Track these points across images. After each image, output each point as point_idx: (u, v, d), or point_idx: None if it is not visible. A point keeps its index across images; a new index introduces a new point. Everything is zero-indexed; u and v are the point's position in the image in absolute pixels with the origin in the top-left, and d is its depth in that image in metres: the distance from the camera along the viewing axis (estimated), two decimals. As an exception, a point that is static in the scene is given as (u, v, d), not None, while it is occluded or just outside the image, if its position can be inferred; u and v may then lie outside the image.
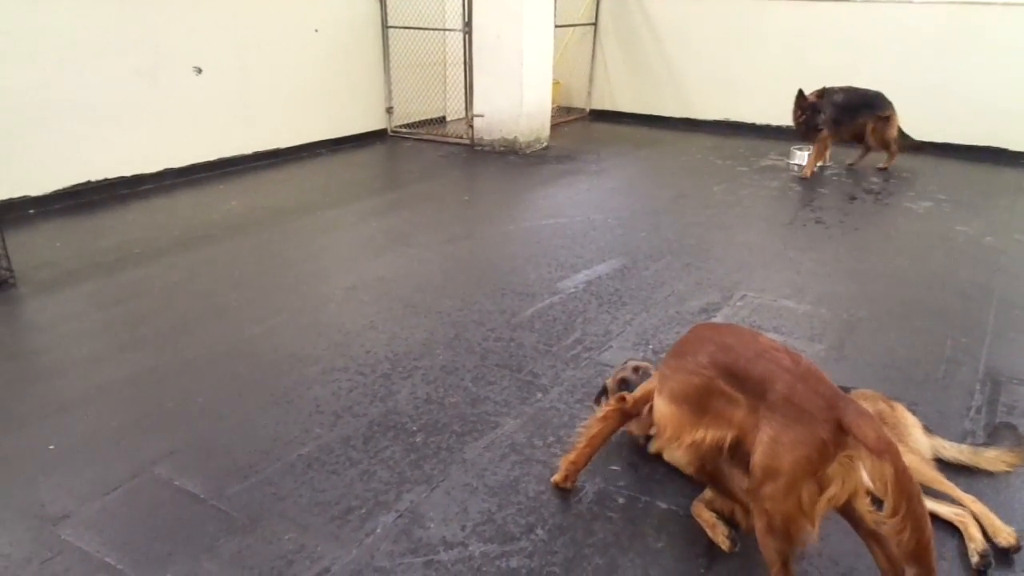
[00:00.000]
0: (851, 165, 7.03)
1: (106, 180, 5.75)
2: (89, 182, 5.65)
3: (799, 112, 6.53)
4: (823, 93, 6.52)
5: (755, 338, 2.08)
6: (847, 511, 1.93)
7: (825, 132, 6.56)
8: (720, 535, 2.26)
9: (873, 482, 1.68)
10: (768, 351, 1.96)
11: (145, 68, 5.82)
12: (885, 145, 6.85)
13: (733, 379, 1.94)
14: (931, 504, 2.36)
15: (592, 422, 2.40)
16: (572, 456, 2.45)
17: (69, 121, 5.42)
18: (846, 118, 6.63)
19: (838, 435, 1.74)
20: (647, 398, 2.26)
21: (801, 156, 7.28)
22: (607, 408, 2.37)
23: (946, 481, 2.41)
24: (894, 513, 1.65)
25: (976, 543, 2.22)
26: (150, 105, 5.93)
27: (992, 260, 4.71)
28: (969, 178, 6.90)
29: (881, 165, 6.98)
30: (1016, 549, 2.24)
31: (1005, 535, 2.26)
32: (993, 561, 2.18)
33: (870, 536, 1.96)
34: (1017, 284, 4.33)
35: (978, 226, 5.37)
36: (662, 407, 2.13)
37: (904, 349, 3.53)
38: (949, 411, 2.98)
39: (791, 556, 1.87)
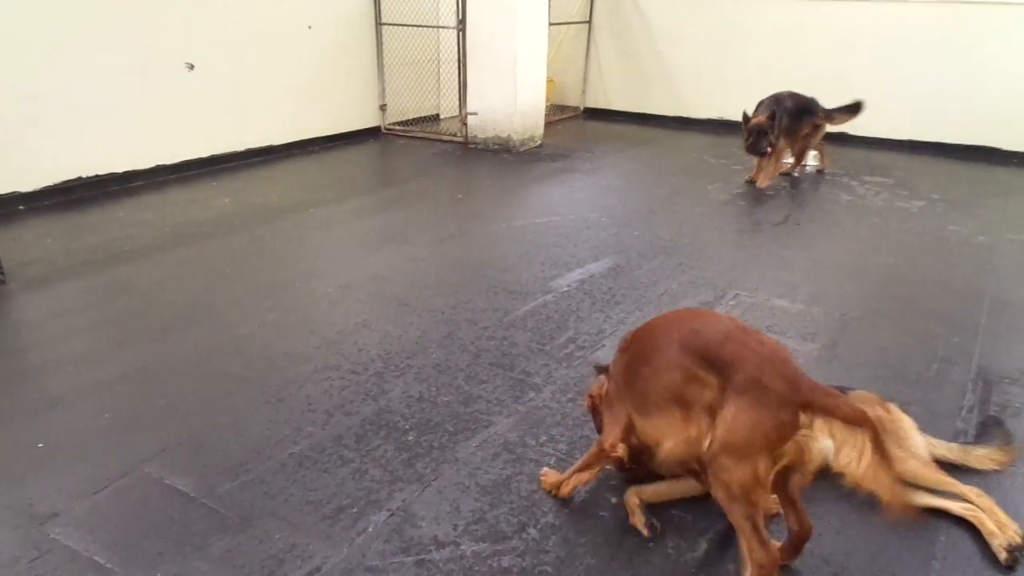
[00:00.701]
0: (751, 181, 6.53)
1: (97, 177, 5.72)
2: (80, 178, 5.62)
3: (746, 135, 6.15)
4: (773, 114, 6.10)
5: (717, 320, 2.11)
6: (783, 476, 1.98)
7: (782, 142, 6.33)
8: (639, 522, 2.31)
9: (848, 452, 1.76)
10: (734, 332, 1.98)
11: (136, 64, 5.79)
12: (801, 152, 6.73)
13: (706, 363, 1.94)
14: (940, 502, 2.37)
15: (584, 474, 2.37)
16: (563, 490, 2.44)
17: (59, 117, 5.38)
18: (795, 124, 6.42)
19: (796, 417, 1.81)
20: (627, 427, 2.20)
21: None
22: (598, 465, 2.35)
23: (949, 479, 2.40)
24: (875, 477, 1.74)
25: (999, 538, 2.21)
26: (141, 101, 5.89)
27: (984, 259, 4.72)
28: (962, 177, 6.92)
29: (787, 170, 6.76)
30: (1022, 548, 2.22)
31: (1011, 532, 2.25)
32: (1021, 556, 2.17)
33: (788, 503, 2.06)
34: (1009, 283, 4.34)
35: (971, 226, 5.39)
36: (655, 424, 2.08)
37: (897, 348, 3.53)
38: (941, 410, 2.98)
39: (758, 519, 1.90)
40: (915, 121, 7.81)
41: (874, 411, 2.55)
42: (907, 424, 2.55)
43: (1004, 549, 2.17)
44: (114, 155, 5.81)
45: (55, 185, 5.46)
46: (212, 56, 6.33)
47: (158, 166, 6.13)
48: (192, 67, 6.18)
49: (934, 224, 5.45)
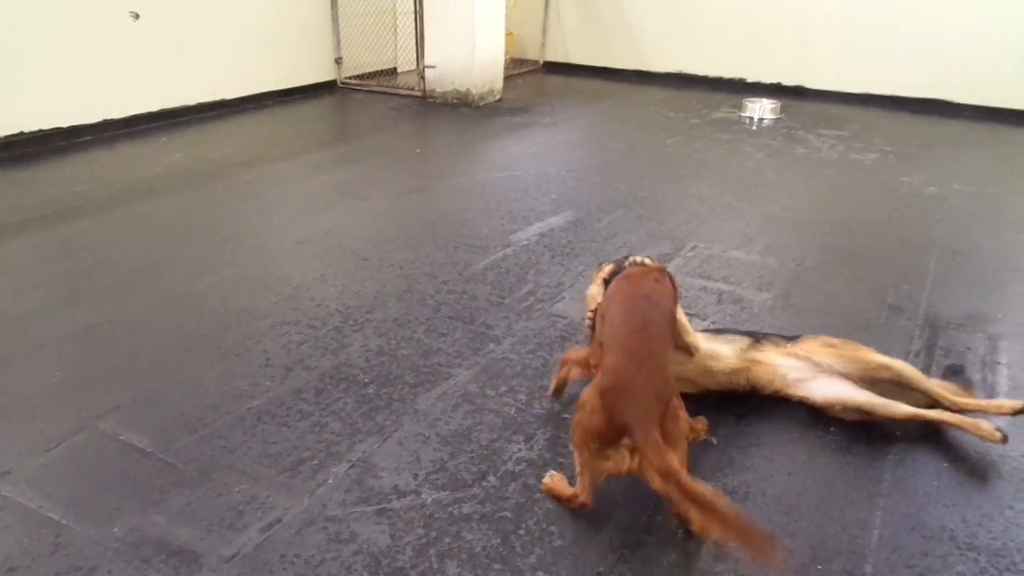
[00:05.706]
0: None
1: (41, 131, 5.52)
2: (22, 133, 5.41)
3: None
4: None
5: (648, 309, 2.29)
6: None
7: None
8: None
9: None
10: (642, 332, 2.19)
11: (77, 12, 5.55)
12: None
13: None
14: (918, 411, 2.50)
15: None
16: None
17: (-2, 68, 5.17)
18: None
19: (617, 435, 2.02)
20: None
21: (752, 108, 7.32)
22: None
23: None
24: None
25: (983, 430, 2.36)
26: (85, 52, 5.67)
27: (934, 209, 4.83)
28: (915, 130, 7.03)
29: None
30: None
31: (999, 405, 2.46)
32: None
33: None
34: (957, 232, 4.45)
35: (922, 177, 5.49)
36: None
37: (848, 296, 3.62)
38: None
39: (582, 466, 2.14)
40: (870, 74, 7.89)
41: (827, 341, 2.71)
42: (861, 346, 2.70)
43: (995, 429, 2.34)
44: (58, 109, 5.60)
45: (-4, 140, 5.27)
46: (158, 4, 6.09)
47: (105, 120, 5.93)
48: (137, 16, 5.94)
49: (887, 176, 5.55)
